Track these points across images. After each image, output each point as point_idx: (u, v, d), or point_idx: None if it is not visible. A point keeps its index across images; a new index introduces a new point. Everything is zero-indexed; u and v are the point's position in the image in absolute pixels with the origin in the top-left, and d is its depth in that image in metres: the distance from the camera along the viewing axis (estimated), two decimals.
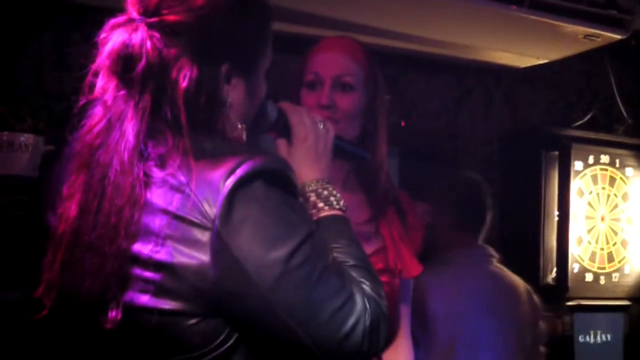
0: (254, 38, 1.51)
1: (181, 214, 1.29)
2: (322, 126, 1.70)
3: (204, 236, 1.28)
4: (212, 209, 1.28)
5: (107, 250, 1.32)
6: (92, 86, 1.41)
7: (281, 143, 1.69)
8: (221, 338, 1.34)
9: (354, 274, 1.42)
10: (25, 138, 2.70)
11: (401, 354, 2.25)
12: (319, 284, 1.32)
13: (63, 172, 1.43)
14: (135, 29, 1.37)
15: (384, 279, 1.99)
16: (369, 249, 1.90)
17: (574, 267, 3.93)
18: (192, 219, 1.29)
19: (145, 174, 1.34)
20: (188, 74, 1.36)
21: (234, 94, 1.46)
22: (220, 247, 1.28)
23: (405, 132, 3.88)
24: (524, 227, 3.99)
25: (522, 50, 3.52)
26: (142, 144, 1.34)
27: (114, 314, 1.31)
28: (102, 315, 1.33)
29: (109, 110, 1.39)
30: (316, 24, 2.98)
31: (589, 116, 4.23)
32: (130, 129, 1.35)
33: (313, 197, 1.60)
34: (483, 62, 3.66)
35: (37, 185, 1.49)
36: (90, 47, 1.42)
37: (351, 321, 1.33)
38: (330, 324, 1.32)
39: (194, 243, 1.29)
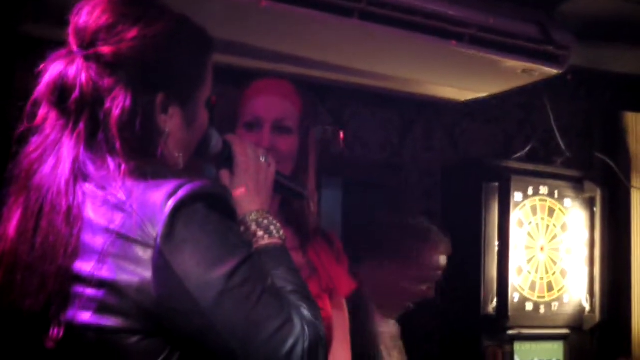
0: (189, 68, 1.55)
1: (123, 232, 1.32)
2: (264, 159, 1.73)
3: (146, 254, 1.31)
4: (154, 228, 1.31)
5: (47, 270, 1.34)
6: (33, 115, 1.46)
7: (224, 173, 1.72)
8: (162, 356, 1.36)
9: (292, 298, 1.45)
10: None
11: None
12: (258, 305, 1.35)
13: (2, 196, 1.45)
14: (72, 61, 1.43)
15: (319, 302, 2.02)
16: None
17: (514, 296, 3.98)
18: (135, 237, 1.32)
19: (85, 195, 1.37)
20: (121, 103, 1.41)
21: (171, 122, 1.50)
22: (162, 264, 1.31)
23: (349, 163, 3.91)
24: (465, 258, 4.03)
25: (462, 84, 3.57)
26: (80, 167, 1.39)
27: (55, 332, 1.33)
28: (44, 334, 1.34)
29: (47, 137, 1.43)
30: (260, 57, 3.01)
31: (528, 148, 4.29)
32: (66, 154, 1.39)
33: (254, 227, 1.63)
34: (425, 96, 3.70)
35: None
36: (34, 78, 1.46)
37: (290, 342, 1.35)
38: (269, 345, 1.34)
39: (136, 260, 1.31)
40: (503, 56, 3.16)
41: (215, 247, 1.35)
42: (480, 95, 3.73)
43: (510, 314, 3.93)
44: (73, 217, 1.35)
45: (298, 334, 1.37)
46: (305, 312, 1.43)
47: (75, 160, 1.39)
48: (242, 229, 1.61)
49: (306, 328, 1.39)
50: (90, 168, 1.39)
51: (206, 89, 1.59)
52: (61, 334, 1.33)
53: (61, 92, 1.42)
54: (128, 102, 1.41)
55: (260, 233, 1.62)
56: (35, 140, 1.45)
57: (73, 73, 1.42)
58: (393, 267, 3.18)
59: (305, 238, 2.25)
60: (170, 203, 1.32)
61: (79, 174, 1.38)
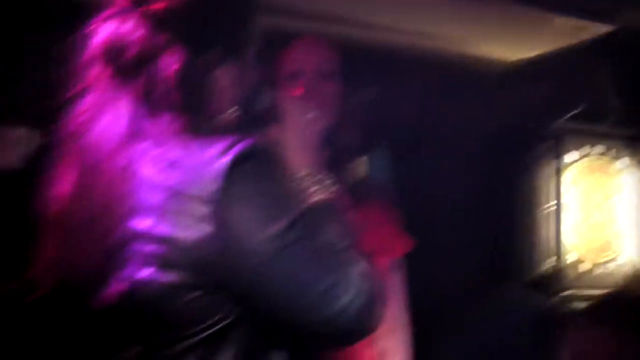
0: (241, 23, 1.55)
1: (181, 189, 1.33)
2: (312, 115, 1.74)
3: (202, 210, 1.32)
4: (210, 185, 1.32)
5: (105, 228, 1.35)
6: (83, 76, 1.46)
7: (273, 130, 1.72)
8: (221, 313, 1.38)
9: (346, 255, 1.45)
10: (18, 132, 2.73)
11: (397, 336, 2.28)
12: (312, 261, 1.36)
13: (53, 157, 1.47)
14: (125, 19, 1.43)
15: (372, 260, 2.04)
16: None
17: (568, 257, 3.94)
18: (192, 193, 1.32)
19: (140, 152, 1.38)
20: (176, 60, 1.41)
21: (225, 78, 1.51)
22: (217, 221, 1.32)
23: (393, 126, 3.90)
24: (517, 218, 4.01)
25: (512, 43, 3.53)
26: (135, 124, 1.40)
27: (116, 287, 1.35)
28: (104, 290, 1.36)
29: (101, 97, 1.44)
30: (304, 18, 3.00)
31: (581, 107, 4.23)
32: (120, 112, 1.41)
33: (305, 183, 1.63)
34: (472, 55, 3.67)
35: (28, 174, 1.53)
36: (82, 41, 1.46)
37: (344, 299, 1.35)
38: (322, 301, 1.34)
39: (193, 217, 1.32)
40: (553, 12, 3.11)
41: (269, 205, 1.36)
42: (531, 54, 3.67)
43: (565, 274, 3.89)
44: (129, 174, 1.36)
45: (352, 291, 1.37)
46: (359, 268, 1.43)
47: (131, 118, 1.40)
48: (293, 185, 1.60)
49: (359, 285, 1.38)
50: (145, 126, 1.40)
51: (256, 46, 1.60)
52: (121, 289, 1.35)
53: (116, 50, 1.42)
54: (184, 58, 1.42)
55: (311, 190, 1.62)
56: (87, 100, 1.45)
57: (127, 31, 1.42)
58: None
59: (355, 196, 2.24)
60: (227, 159, 1.32)
61: (133, 132, 1.39)
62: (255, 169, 1.36)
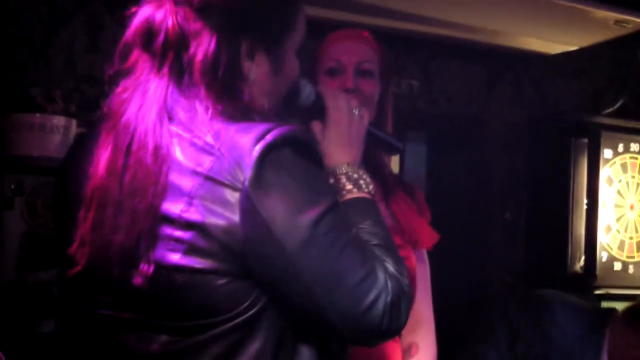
0: (277, 14, 1.53)
1: (212, 174, 1.33)
2: (357, 112, 1.73)
3: (234, 197, 1.31)
4: (242, 172, 1.31)
5: (137, 207, 1.35)
6: (124, 58, 1.48)
7: (316, 125, 1.71)
8: (249, 301, 1.36)
9: (377, 251, 1.44)
10: (57, 120, 2.74)
11: (423, 331, 2.26)
12: (342, 255, 1.34)
13: (92, 139, 1.48)
14: (161, 6, 1.44)
15: (402, 253, 2.04)
16: None
17: (602, 255, 3.92)
18: (223, 180, 1.32)
19: (172, 136, 1.38)
20: (206, 48, 1.41)
21: (257, 70, 1.49)
22: (249, 208, 1.31)
23: (434, 117, 3.89)
24: (552, 215, 3.99)
25: (552, 37, 3.50)
26: (168, 108, 1.40)
27: (145, 268, 1.34)
28: (133, 270, 1.35)
29: (137, 79, 1.45)
30: (346, 8, 2.99)
31: (618, 104, 4.20)
32: (152, 95, 1.41)
33: (343, 179, 1.62)
34: (513, 48, 3.64)
35: (68, 157, 1.56)
36: (121, 30, 1.48)
37: (372, 295, 1.34)
38: (351, 296, 1.33)
39: (224, 203, 1.32)
40: (594, 6, 3.08)
41: (302, 193, 1.35)
42: (570, 48, 3.65)
43: (597, 273, 3.88)
44: (161, 156, 1.36)
45: (381, 287, 1.35)
46: (390, 265, 1.41)
47: (162, 101, 1.40)
48: (332, 180, 1.60)
49: (389, 282, 1.37)
50: (178, 110, 1.40)
51: (296, 37, 1.57)
52: (151, 270, 1.34)
53: (148, 35, 1.43)
54: (212, 47, 1.42)
55: (349, 186, 1.60)
56: (125, 82, 1.47)
57: (160, 17, 1.43)
58: None
59: (387, 190, 2.24)
60: (259, 147, 1.32)
61: (165, 115, 1.39)
62: (289, 157, 1.35)
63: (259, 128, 1.34)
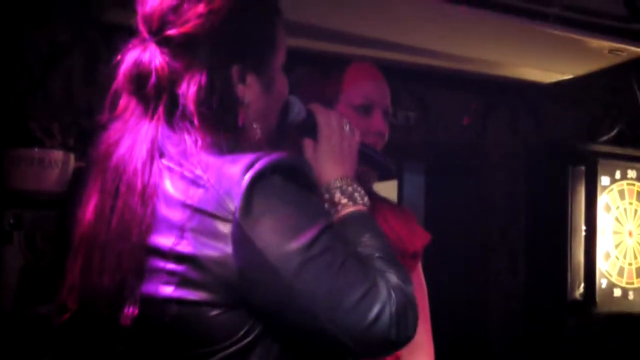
0: (260, 35, 1.55)
1: (202, 207, 1.34)
2: (347, 127, 1.74)
3: (225, 228, 1.33)
4: (232, 202, 1.33)
5: (122, 248, 1.37)
6: (115, 104, 1.50)
7: (308, 142, 1.73)
8: (244, 330, 1.37)
9: (378, 264, 1.45)
10: (55, 154, 2.75)
11: (421, 353, 2.25)
12: (340, 273, 1.35)
13: (84, 182, 1.50)
14: (145, 48, 1.46)
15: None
16: None
17: (601, 282, 3.91)
18: (213, 211, 1.33)
19: (162, 171, 1.40)
20: (197, 81, 1.43)
21: (250, 92, 1.52)
22: (241, 238, 1.32)
23: (431, 147, 3.89)
24: (550, 242, 3.99)
25: (547, 66, 3.51)
26: (158, 145, 1.42)
27: (130, 310, 1.36)
28: (121, 311, 1.37)
29: (126, 122, 1.48)
30: (341, 41, 3.00)
31: (615, 131, 4.21)
32: (144, 135, 1.43)
33: (338, 194, 1.63)
34: (508, 78, 3.65)
35: (64, 198, 1.58)
36: (114, 70, 1.50)
37: (376, 309, 1.35)
38: (354, 313, 1.34)
39: (215, 235, 1.33)
40: (589, 36, 3.09)
41: (293, 218, 1.36)
42: (565, 77, 3.66)
43: (597, 299, 3.87)
44: (148, 195, 1.38)
45: (384, 300, 1.36)
46: (392, 276, 1.42)
47: (153, 140, 1.42)
48: (327, 197, 1.62)
49: (393, 293, 1.37)
50: (168, 145, 1.42)
51: (280, 55, 1.60)
52: (136, 311, 1.36)
53: (138, 79, 1.45)
54: (204, 79, 1.44)
55: (344, 201, 1.62)
56: (115, 126, 1.49)
57: (147, 59, 1.44)
58: None
59: (371, 202, 2.25)
60: (248, 176, 1.33)
61: (156, 152, 1.42)
62: (279, 184, 1.37)
63: (248, 158, 1.36)
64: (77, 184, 1.57)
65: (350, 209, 1.61)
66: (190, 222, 1.35)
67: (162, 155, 1.42)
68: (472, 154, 4.01)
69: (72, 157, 2.78)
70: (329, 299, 1.33)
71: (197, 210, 1.35)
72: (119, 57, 1.48)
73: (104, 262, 1.39)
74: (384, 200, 2.34)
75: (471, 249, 4.07)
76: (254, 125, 1.52)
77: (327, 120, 1.72)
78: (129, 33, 1.51)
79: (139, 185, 1.38)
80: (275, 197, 1.36)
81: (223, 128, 1.44)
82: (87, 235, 1.42)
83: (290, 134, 1.73)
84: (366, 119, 2.14)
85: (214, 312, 1.36)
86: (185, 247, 1.34)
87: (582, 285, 3.91)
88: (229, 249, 1.33)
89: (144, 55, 1.45)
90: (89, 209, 1.43)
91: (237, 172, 1.34)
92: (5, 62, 2.96)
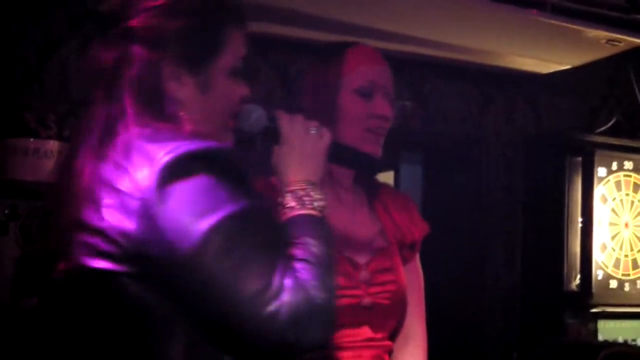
0: (201, 36, 1.59)
1: (118, 184, 1.42)
2: (314, 131, 1.73)
3: (133, 204, 1.39)
4: (144, 181, 1.39)
5: (62, 218, 1.50)
6: (92, 93, 1.59)
7: (275, 149, 1.73)
8: (154, 302, 1.43)
9: (298, 266, 1.44)
10: (51, 145, 2.75)
11: (412, 344, 2.24)
12: (242, 262, 1.37)
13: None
14: (102, 41, 1.57)
15: (385, 263, 2.10)
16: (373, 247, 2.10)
17: (598, 273, 3.91)
18: (126, 189, 1.40)
19: (101, 154, 1.48)
20: (133, 70, 1.52)
21: (184, 91, 1.57)
22: (145, 214, 1.38)
23: (429, 137, 3.89)
24: (547, 233, 3.99)
25: (544, 56, 3.51)
26: (106, 127, 1.51)
27: (62, 266, 1.50)
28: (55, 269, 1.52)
29: (95, 109, 1.56)
30: (339, 31, 2.99)
31: (612, 122, 4.21)
32: (98, 118, 1.52)
33: (288, 197, 1.62)
34: (506, 68, 3.65)
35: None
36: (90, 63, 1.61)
37: (273, 306, 1.35)
38: (251, 304, 1.35)
39: (124, 210, 1.40)
40: (586, 26, 3.09)
41: (201, 201, 1.39)
42: (563, 67, 3.66)
43: (594, 291, 3.88)
44: (86, 171, 1.47)
45: (285, 300, 1.36)
46: (309, 282, 1.42)
47: (103, 122, 1.51)
48: (279, 200, 1.63)
49: (297, 296, 1.37)
50: (114, 127, 1.50)
51: (227, 58, 1.62)
52: (66, 267, 1.49)
53: (100, 71, 1.55)
54: (136, 70, 1.52)
55: (291, 204, 1.61)
56: (88, 113, 1.58)
57: (99, 52, 1.56)
58: None
59: (371, 193, 2.24)
60: (164, 159, 1.38)
61: (105, 133, 1.50)
62: (196, 169, 1.40)
63: (171, 144, 1.42)
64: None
65: (296, 212, 1.60)
66: (106, 198, 1.42)
67: (111, 135, 1.49)
68: (470, 145, 4.00)
69: (67, 147, 2.77)
70: (225, 285, 1.36)
71: (113, 188, 1.42)
72: (92, 50, 1.59)
73: (56, 227, 1.53)
74: (386, 187, 2.32)
75: (468, 239, 4.07)
76: (193, 123, 1.55)
77: (290, 125, 1.72)
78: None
79: (81, 163, 1.49)
80: (186, 181, 1.39)
81: (157, 120, 1.50)
82: (53, 202, 1.56)
83: (258, 141, 1.75)
84: (368, 102, 2.11)
85: (124, 282, 1.42)
86: (98, 220, 1.42)
87: (579, 276, 3.91)
88: (133, 223, 1.39)
89: (97, 47, 1.56)
90: (57, 184, 1.57)
91: (155, 155, 1.39)
92: (0, 52, 2.95)
